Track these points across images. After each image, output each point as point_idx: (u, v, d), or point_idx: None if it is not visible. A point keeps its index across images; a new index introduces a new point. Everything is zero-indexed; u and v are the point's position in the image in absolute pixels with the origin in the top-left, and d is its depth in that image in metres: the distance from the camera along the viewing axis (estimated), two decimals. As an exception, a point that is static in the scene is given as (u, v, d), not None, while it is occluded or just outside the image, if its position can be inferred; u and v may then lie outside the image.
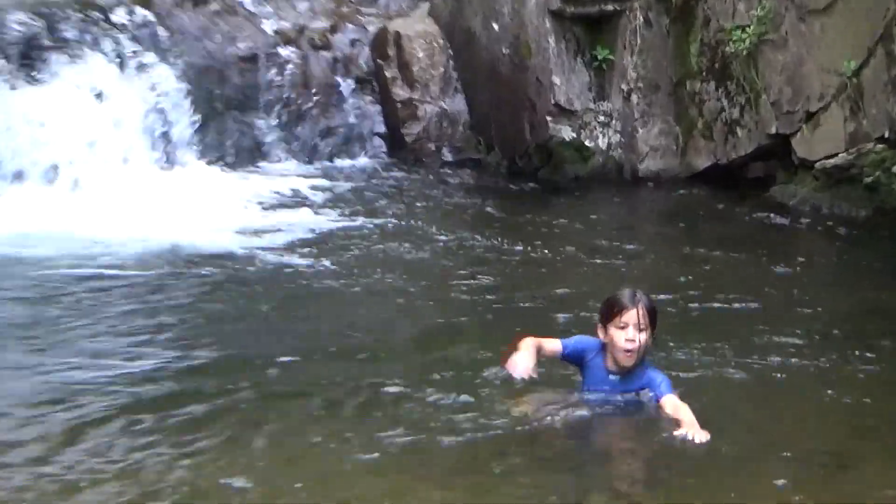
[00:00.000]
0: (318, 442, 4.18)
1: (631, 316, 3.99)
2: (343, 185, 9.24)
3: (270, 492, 3.74)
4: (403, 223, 8.29)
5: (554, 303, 6.65)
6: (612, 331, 4.03)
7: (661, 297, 6.38)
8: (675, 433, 4.01)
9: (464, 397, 4.48)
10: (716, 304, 6.53)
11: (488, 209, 8.91)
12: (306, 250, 7.55)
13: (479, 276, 7.23)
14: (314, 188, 9.15)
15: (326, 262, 7.38)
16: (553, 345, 4.26)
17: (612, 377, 4.15)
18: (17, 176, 8.39)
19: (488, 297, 6.74)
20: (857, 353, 5.73)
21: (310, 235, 7.95)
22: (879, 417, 4.89)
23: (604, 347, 4.16)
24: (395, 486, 3.79)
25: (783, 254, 7.92)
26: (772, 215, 8.79)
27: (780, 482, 3.99)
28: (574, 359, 4.27)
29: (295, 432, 4.29)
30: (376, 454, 4.02)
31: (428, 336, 6.00)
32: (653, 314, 4.06)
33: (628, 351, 4.03)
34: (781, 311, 6.50)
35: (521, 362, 4.15)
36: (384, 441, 4.13)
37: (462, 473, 4.00)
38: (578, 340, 4.26)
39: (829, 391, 5.20)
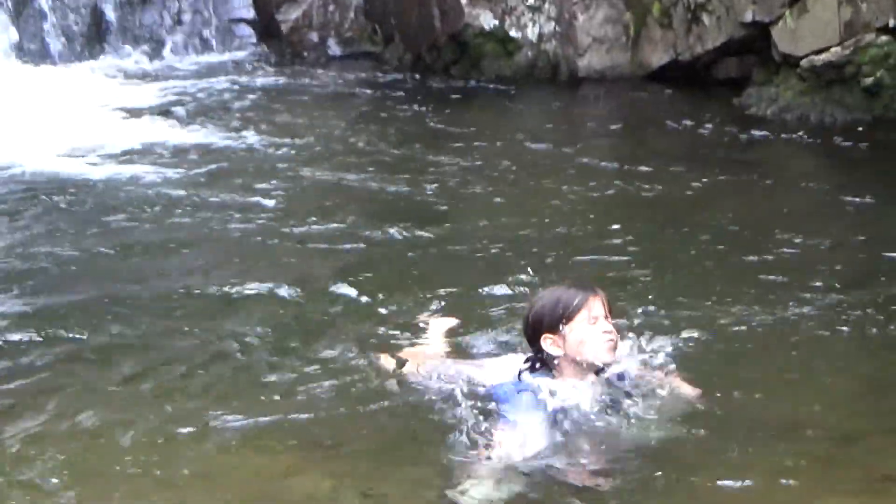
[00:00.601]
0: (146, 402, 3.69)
1: (597, 305, 3.49)
2: (204, 83, 8.52)
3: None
4: (281, 137, 7.25)
5: (477, 236, 5.72)
6: (580, 330, 3.46)
7: (614, 228, 5.85)
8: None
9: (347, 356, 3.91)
10: (683, 239, 5.55)
11: (383, 115, 7.91)
12: (169, 174, 6.66)
13: (376, 202, 6.33)
14: (167, 83, 8.52)
15: (188, 190, 6.47)
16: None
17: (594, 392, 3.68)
18: None
19: (392, 227, 5.76)
20: (856, 298, 4.82)
21: (168, 156, 6.95)
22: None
23: (548, 367, 3.54)
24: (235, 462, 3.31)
25: (760, 174, 6.80)
26: (746, 126, 7.71)
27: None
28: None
29: (110, 394, 3.79)
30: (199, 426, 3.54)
31: (318, 281, 5.10)
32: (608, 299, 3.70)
33: (610, 341, 3.48)
34: (761, 247, 5.41)
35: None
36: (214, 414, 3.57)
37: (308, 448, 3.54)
38: (512, 403, 3.54)
39: (832, 348, 4.42)
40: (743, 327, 4.60)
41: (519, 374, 3.58)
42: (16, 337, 4.51)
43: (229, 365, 4.10)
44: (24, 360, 4.25)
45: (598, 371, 3.54)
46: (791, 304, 4.96)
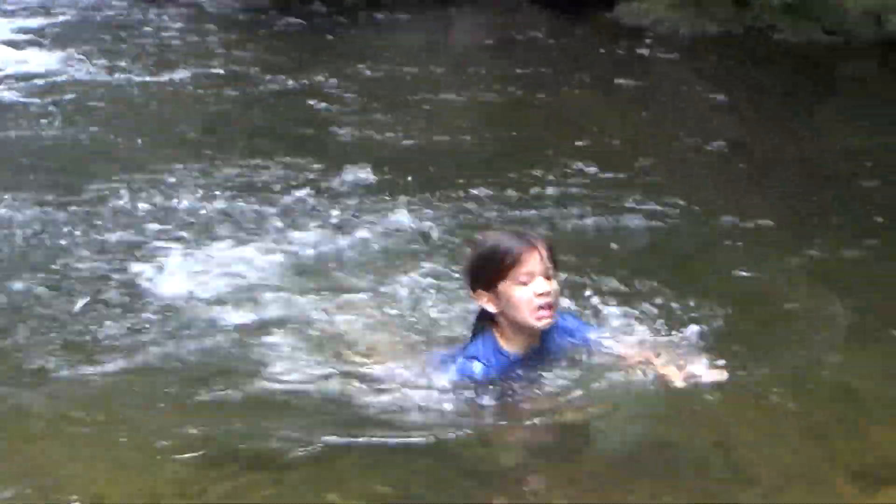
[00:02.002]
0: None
1: (534, 262, 3.02)
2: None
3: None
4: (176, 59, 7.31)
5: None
6: (510, 291, 3.03)
7: (496, 138, 5.89)
8: (677, 382, 3.06)
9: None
10: (561, 142, 5.63)
11: (247, 40, 7.85)
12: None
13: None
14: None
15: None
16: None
17: (525, 359, 3.19)
18: None
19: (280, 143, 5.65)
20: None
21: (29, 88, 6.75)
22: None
23: (491, 329, 3.18)
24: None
25: (632, 90, 6.86)
26: (617, 44, 7.85)
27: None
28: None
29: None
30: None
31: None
32: (552, 251, 3.12)
33: (543, 307, 3.01)
34: (647, 150, 5.56)
35: None
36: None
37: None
38: (464, 372, 3.19)
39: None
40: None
41: (473, 333, 3.24)
42: None
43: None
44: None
45: (542, 338, 3.21)
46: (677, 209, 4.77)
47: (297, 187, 5.07)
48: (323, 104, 6.79)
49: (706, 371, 3.03)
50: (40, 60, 7.63)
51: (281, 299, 3.96)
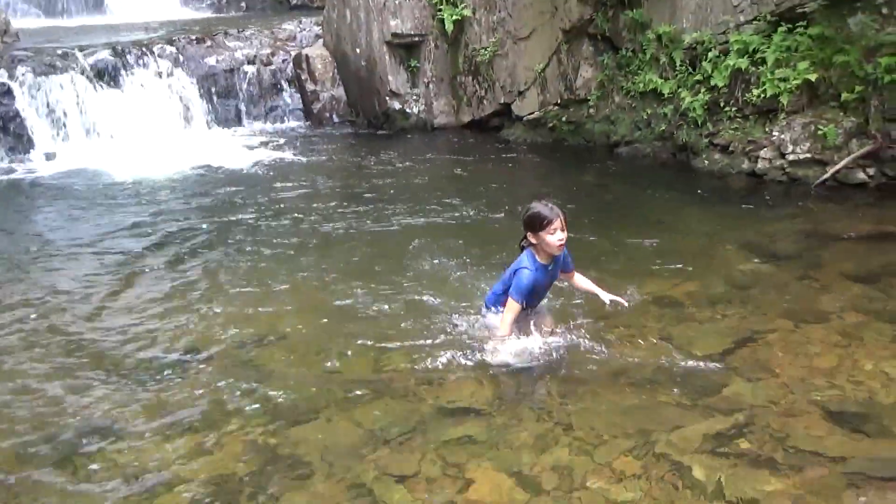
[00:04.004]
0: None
1: (558, 223, 4.62)
2: (284, 136, 12.39)
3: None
4: (315, 155, 11.18)
5: (400, 192, 8.98)
6: (544, 236, 4.65)
7: (443, 200, 8.78)
8: (605, 299, 5.13)
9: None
10: (477, 198, 8.72)
11: (357, 144, 12.07)
12: (269, 171, 10.04)
13: (357, 188, 9.40)
14: (268, 136, 12.29)
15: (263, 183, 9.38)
16: (515, 313, 4.87)
17: (549, 268, 4.87)
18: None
19: (363, 205, 8.53)
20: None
21: (271, 161, 10.59)
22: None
23: (532, 249, 4.73)
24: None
25: (509, 162, 10.79)
26: (502, 145, 11.75)
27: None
28: (528, 296, 4.84)
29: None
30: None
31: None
32: (566, 216, 4.64)
33: (560, 246, 4.69)
34: (505, 197, 8.92)
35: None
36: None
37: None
38: (525, 283, 4.75)
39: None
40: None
41: (520, 246, 4.88)
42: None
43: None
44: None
45: (555, 258, 4.80)
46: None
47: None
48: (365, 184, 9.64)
49: (618, 299, 5.10)
50: (273, 149, 11.14)
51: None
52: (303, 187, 9.52)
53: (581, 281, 5.20)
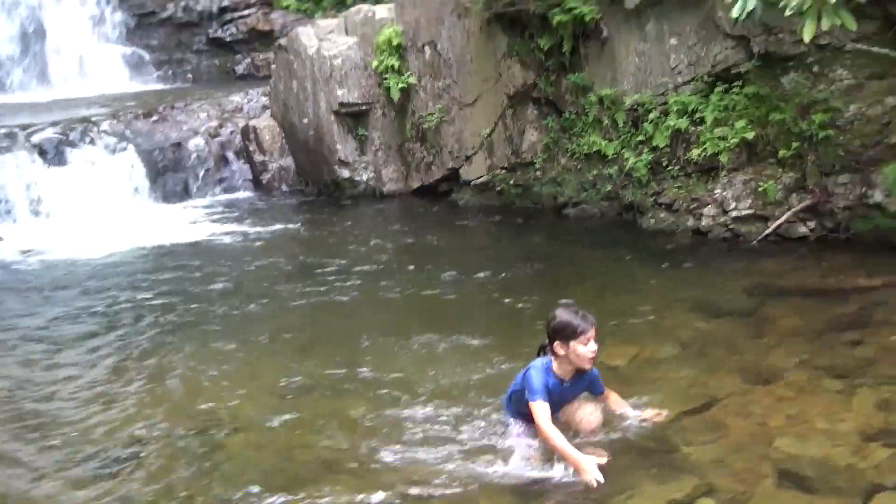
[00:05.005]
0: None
1: (592, 333, 4.36)
2: (234, 207, 12.60)
3: None
4: (265, 225, 11.34)
5: (354, 262, 9.16)
6: (576, 347, 4.36)
7: (390, 247, 9.56)
8: (639, 419, 4.82)
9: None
10: (430, 266, 8.91)
11: (308, 213, 12.22)
12: (218, 245, 10.25)
13: (303, 252, 9.80)
14: (217, 209, 12.41)
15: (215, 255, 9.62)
16: (546, 412, 4.37)
17: (565, 384, 4.55)
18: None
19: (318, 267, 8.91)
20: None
21: (220, 234, 10.77)
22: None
23: (553, 359, 4.43)
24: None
25: (460, 227, 11.10)
26: (452, 210, 11.95)
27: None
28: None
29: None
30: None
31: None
32: (597, 327, 4.36)
33: (592, 359, 4.45)
34: (457, 256, 9.27)
35: (590, 466, 4.21)
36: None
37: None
38: (537, 383, 4.39)
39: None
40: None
41: (538, 352, 4.58)
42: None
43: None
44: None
45: (580, 370, 4.53)
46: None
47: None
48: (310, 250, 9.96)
49: (656, 415, 4.84)
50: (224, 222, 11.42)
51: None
52: (253, 261, 9.65)
53: (618, 403, 4.90)
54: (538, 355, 4.55)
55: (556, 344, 4.35)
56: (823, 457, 4.62)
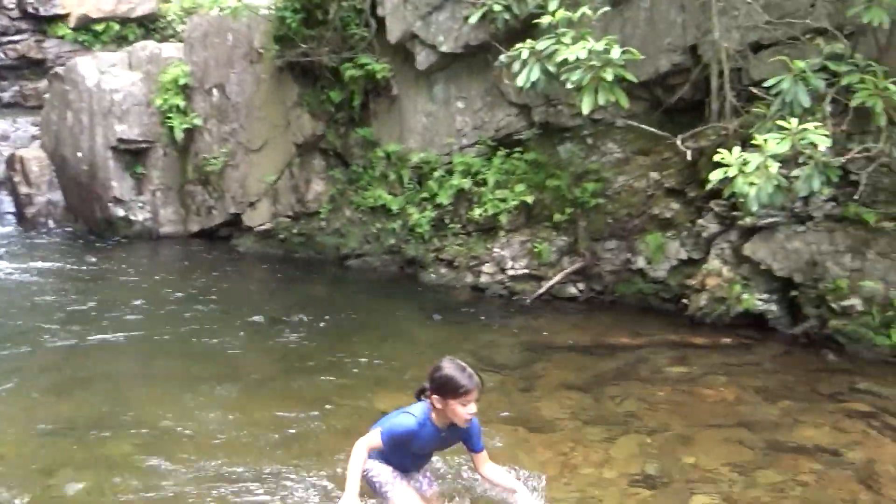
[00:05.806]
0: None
1: (474, 395, 4.18)
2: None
3: None
4: (26, 262, 10.88)
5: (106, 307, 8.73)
6: (454, 405, 4.17)
7: (177, 296, 9.03)
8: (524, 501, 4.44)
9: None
10: (204, 313, 8.70)
11: (75, 252, 11.63)
12: None
13: (73, 296, 9.23)
14: None
15: None
16: (373, 441, 4.27)
17: (441, 433, 4.37)
18: None
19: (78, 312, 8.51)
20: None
21: None
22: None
23: (432, 408, 4.24)
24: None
25: (239, 273, 10.81)
26: (232, 255, 11.84)
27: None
28: (395, 445, 4.26)
29: None
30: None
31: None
32: (481, 387, 4.18)
33: (468, 420, 4.25)
34: (233, 300, 9.20)
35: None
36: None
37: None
38: (395, 427, 4.24)
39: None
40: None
41: (418, 395, 4.39)
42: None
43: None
44: None
45: (451, 424, 4.32)
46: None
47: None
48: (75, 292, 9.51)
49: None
50: None
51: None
52: (8, 301, 9.13)
53: (494, 473, 4.54)
54: (417, 398, 4.40)
55: (435, 397, 4.21)
56: (585, 498, 4.77)
